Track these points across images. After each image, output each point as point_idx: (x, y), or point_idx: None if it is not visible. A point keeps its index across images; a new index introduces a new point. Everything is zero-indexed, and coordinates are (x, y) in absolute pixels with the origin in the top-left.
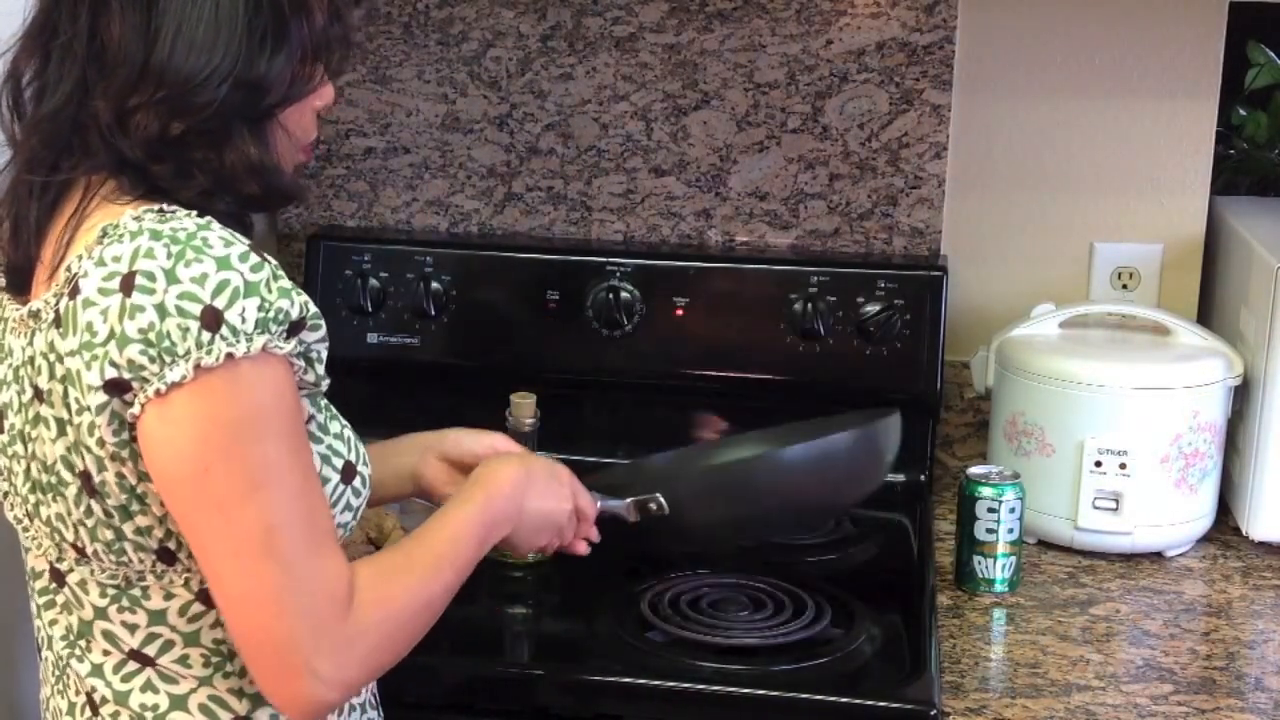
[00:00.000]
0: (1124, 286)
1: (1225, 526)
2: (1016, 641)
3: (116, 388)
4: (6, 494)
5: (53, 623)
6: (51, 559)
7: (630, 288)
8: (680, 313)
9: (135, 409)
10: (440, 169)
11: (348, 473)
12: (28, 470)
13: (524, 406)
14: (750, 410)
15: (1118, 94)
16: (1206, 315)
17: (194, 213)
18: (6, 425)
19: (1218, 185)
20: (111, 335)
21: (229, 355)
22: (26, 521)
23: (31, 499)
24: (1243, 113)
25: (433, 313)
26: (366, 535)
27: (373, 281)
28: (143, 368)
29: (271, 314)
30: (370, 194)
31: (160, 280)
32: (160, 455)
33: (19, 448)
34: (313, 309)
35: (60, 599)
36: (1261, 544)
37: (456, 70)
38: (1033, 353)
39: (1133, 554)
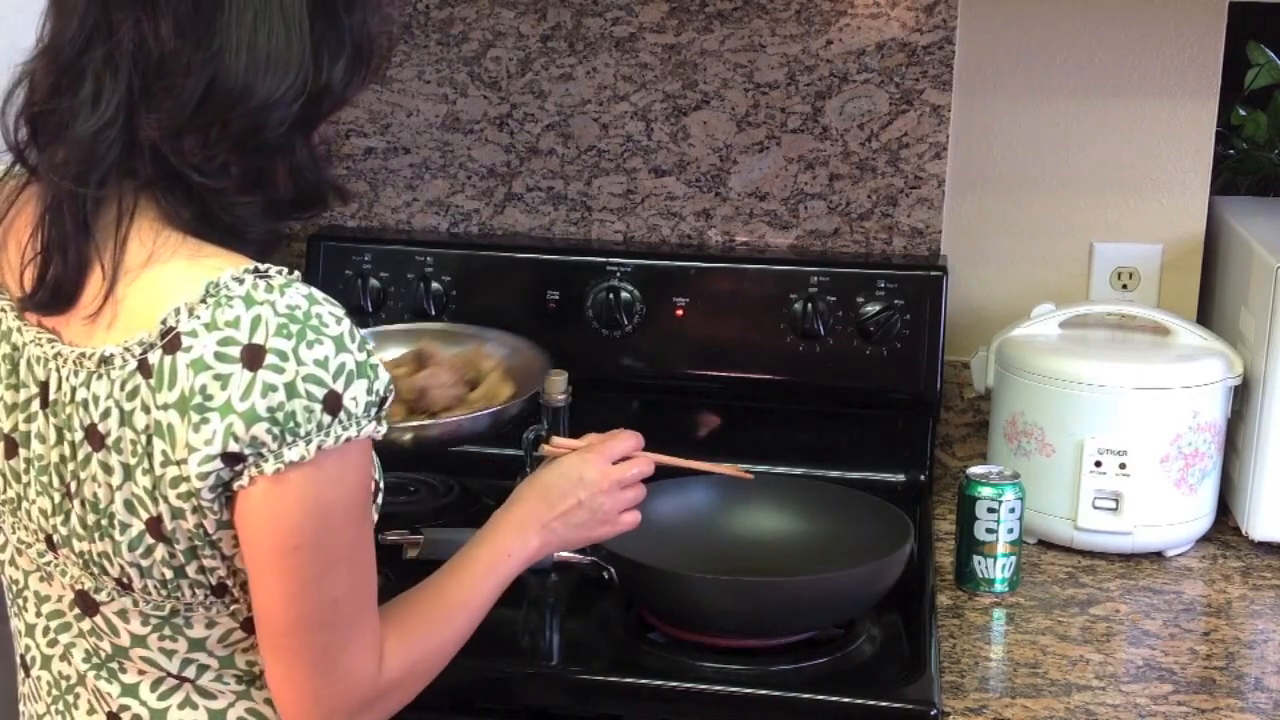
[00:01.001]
0: (1124, 286)
1: (1225, 526)
2: (1016, 641)
3: (232, 459)
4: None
5: (69, 646)
6: (83, 588)
7: (630, 288)
8: (680, 313)
9: (244, 480)
10: (440, 169)
11: (375, 491)
12: (60, 504)
13: (555, 382)
14: (750, 410)
15: (1118, 94)
16: (1206, 315)
17: (284, 270)
18: (24, 454)
19: (1218, 185)
20: (232, 408)
21: (346, 440)
22: (41, 548)
23: (61, 531)
24: (1243, 113)
25: (433, 313)
26: (463, 378)
27: (373, 281)
28: (263, 444)
29: (374, 397)
30: (370, 194)
31: (291, 360)
32: (256, 525)
33: (46, 479)
34: (388, 376)
35: (86, 625)
36: (1261, 544)
37: (457, 70)
38: (1033, 353)
39: (1133, 554)
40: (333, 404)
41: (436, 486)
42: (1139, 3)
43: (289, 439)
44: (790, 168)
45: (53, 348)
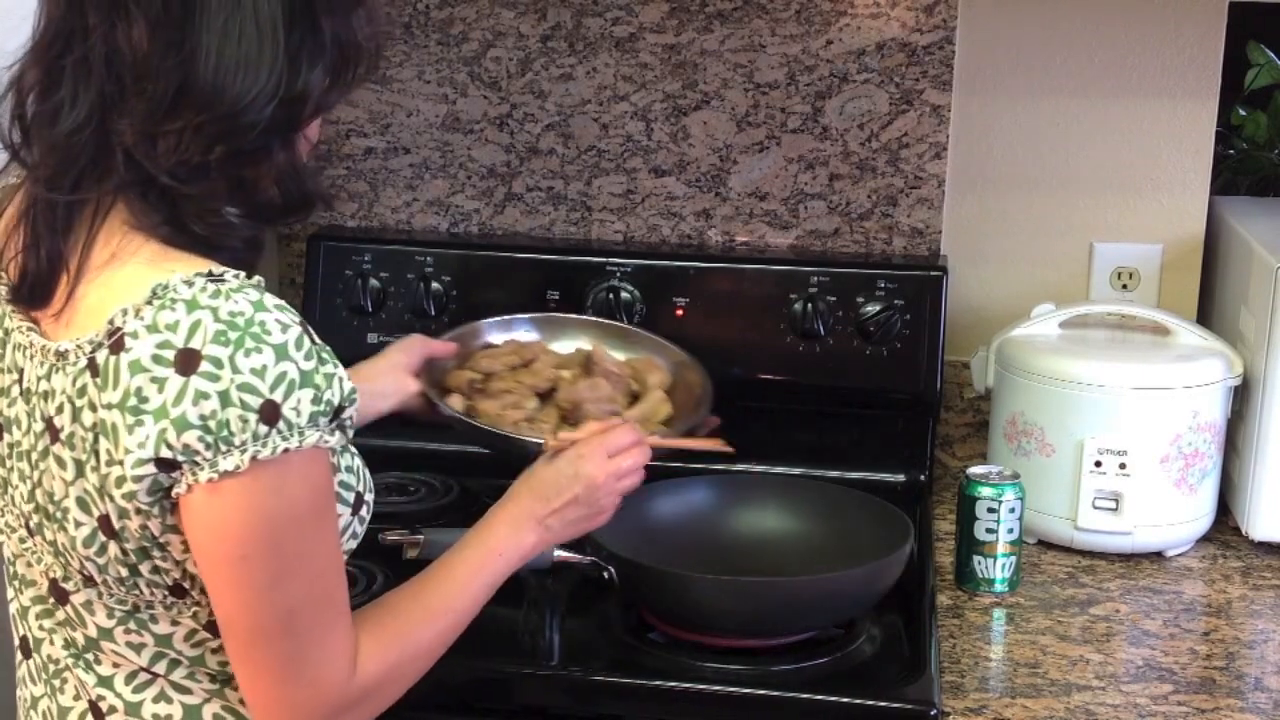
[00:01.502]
0: (1124, 286)
1: (1225, 526)
2: (1016, 641)
3: (166, 465)
4: None
5: (51, 631)
6: (55, 576)
7: (630, 288)
8: (680, 313)
9: (181, 488)
10: (440, 169)
11: (357, 504)
12: (32, 492)
13: None
14: (750, 410)
15: (1118, 94)
16: (1206, 315)
17: (241, 275)
18: (9, 438)
19: (1218, 185)
20: (166, 413)
21: (285, 451)
22: (24, 533)
23: (35, 518)
24: (1243, 113)
25: (433, 313)
26: (626, 389)
27: (373, 281)
28: (196, 452)
29: (321, 406)
30: (370, 194)
31: (226, 368)
32: (200, 532)
33: (23, 465)
34: (349, 385)
35: (60, 615)
36: (1261, 544)
37: (457, 70)
38: (1033, 353)
39: (1133, 554)
40: (269, 414)
41: (436, 486)
42: (1139, 3)
43: (223, 448)
44: (790, 168)
45: (29, 338)
